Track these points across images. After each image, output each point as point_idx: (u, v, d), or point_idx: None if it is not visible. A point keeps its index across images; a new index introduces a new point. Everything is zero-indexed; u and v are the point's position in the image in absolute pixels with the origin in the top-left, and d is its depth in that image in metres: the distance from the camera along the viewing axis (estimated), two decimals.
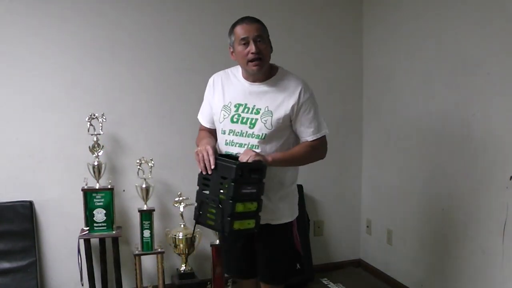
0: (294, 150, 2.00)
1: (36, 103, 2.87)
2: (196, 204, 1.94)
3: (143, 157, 2.90)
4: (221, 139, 2.02)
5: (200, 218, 1.92)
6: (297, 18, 3.36)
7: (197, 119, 2.17)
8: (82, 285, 2.83)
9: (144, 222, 2.89)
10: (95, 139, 2.84)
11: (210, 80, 2.08)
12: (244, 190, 1.82)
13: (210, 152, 1.86)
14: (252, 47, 1.86)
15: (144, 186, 2.88)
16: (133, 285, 3.00)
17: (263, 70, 1.93)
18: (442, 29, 2.74)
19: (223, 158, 1.87)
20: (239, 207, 1.82)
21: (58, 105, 2.90)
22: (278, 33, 3.29)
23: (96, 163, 2.82)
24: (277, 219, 2.03)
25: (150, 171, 2.90)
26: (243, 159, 1.83)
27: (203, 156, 1.86)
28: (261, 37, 1.88)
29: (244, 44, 1.88)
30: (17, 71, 2.82)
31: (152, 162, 2.90)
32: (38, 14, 2.82)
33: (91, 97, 2.94)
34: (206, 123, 2.11)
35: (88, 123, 2.82)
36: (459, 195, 2.67)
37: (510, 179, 2.33)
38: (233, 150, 1.96)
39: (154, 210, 2.92)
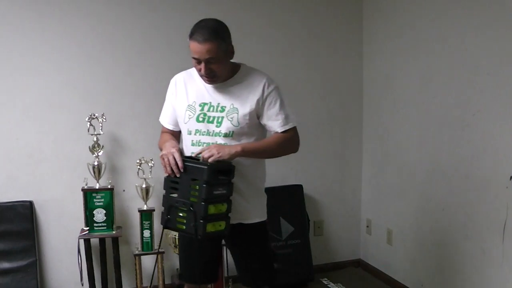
0: (264, 140, 1.98)
1: (36, 103, 2.87)
2: (163, 209, 1.90)
3: (143, 157, 2.90)
4: (187, 140, 1.98)
5: (169, 222, 1.88)
6: (297, 18, 3.36)
7: None
8: (82, 285, 2.83)
9: (144, 222, 2.89)
10: (95, 139, 2.84)
11: (172, 81, 2.04)
12: (216, 191, 1.80)
13: (177, 155, 1.82)
14: (202, 69, 1.83)
15: (144, 186, 2.88)
16: (133, 285, 3.00)
17: (222, 79, 1.90)
18: (442, 29, 2.74)
19: (190, 160, 1.83)
20: (212, 209, 1.80)
21: (58, 105, 2.90)
22: (278, 34, 3.32)
23: (96, 163, 2.82)
24: (251, 218, 2.00)
25: (150, 171, 2.90)
26: (204, 155, 1.79)
27: (169, 160, 1.82)
28: (213, 58, 1.79)
29: (196, 62, 1.84)
30: (17, 71, 2.82)
31: (152, 162, 2.90)
32: (37, 14, 2.82)
33: (91, 97, 2.94)
34: (168, 125, 2.06)
35: (88, 123, 2.82)
36: (459, 195, 2.67)
37: (510, 179, 2.33)
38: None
39: (154, 210, 2.92)
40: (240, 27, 3.21)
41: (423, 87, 2.92)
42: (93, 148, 2.83)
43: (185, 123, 1.95)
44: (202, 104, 1.93)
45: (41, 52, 2.85)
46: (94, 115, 2.83)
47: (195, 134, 1.94)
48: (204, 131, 1.92)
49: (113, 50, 2.98)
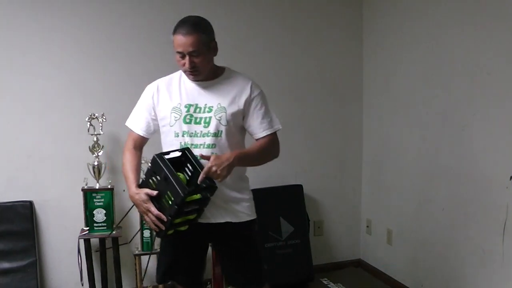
0: (253, 146, 1.96)
1: (36, 103, 2.87)
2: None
3: (143, 157, 2.88)
4: (175, 142, 1.93)
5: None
6: (296, 18, 3.35)
7: None
8: (82, 285, 2.83)
9: (144, 222, 2.89)
10: (95, 139, 2.84)
11: (151, 86, 2.02)
12: (187, 209, 1.78)
13: (152, 209, 1.80)
14: (186, 63, 1.83)
15: None
16: (133, 285, 3.00)
17: (205, 74, 1.90)
18: (442, 29, 2.74)
19: (174, 176, 1.76)
20: (178, 220, 1.80)
21: (58, 105, 2.90)
22: (277, 34, 3.32)
23: (96, 163, 2.82)
24: (240, 217, 1.97)
25: None
26: (208, 173, 1.76)
27: (151, 220, 1.82)
28: (196, 51, 1.82)
29: (180, 56, 1.85)
30: (16, 72, 2.82)
31: None
32: (36, 14, 2.82)
33: (91, 97, 2.95)
34: (140, 130, 2.02)
35: (88, 123, 2.82)
36: (459, 195, 2.67)
37: (510, 179, 2.33)
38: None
39: None
40: (239, 27, 3.22)
41: (423, 87, 2.92)
42: (93, 148, 2.83)
43: (171, 126, 1.93)
44: (187, 106, 1.92)
45: (41, 52, 2.85)
46: (94, 115, 2.83)
47: (183, 136, 1.91)
48: (192, 133, 1.90)
49: (113, 50, 2.98)
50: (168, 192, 1.75)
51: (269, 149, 1.97)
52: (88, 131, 2.82)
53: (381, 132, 3.37)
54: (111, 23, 2.96)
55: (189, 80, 1.94)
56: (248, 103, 1.92)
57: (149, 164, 1.88)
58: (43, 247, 2.95)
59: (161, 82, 2.01)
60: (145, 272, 2.22)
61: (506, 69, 2.33)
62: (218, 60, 2.11)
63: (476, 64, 2.51)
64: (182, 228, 1.87)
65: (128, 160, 2.01)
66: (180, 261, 2.05)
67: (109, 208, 2.82)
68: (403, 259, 3.20)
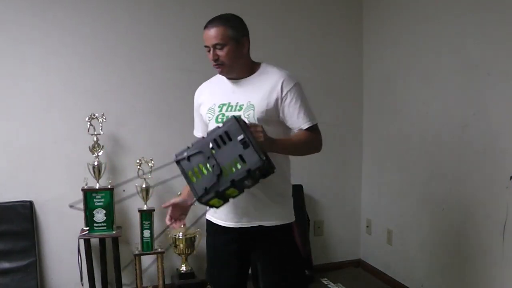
0: (292, 136, 1.92)
1: (36, 103, 2.87)
2: (189, 147, 1.75)
3: (143, 157, 2.90)
4: None
5: (184, 163, 1.75)
6: (297, 18, 3.35)
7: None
8: (82, 285, 2.83)
9: (144, 222, 2.89)
10: (95, 139, 2.84)
11: (197, 91, 2.04)
12: (246, 181, 1.72)
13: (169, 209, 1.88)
14: (210, 56, 1.82)
15: (144, 186, 2.88)
16: (133, 285, 3.00)
17: (238, 72, 1.87)
18: (442, 29, 2.74)
19: (250, 137, 1.66)
20: (230, 191, 1.73)
21: (58, 105, 2.90)
22: (278, 34, 3.32)
23: (96, 163, 2.82)
24: (275, 219, 1.92)
25: (150, 171, 2.90)
26: (255, 132, 1.68)
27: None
28: (220, 44, 1.79)
29: (207, 50, 1.83)
30: (16, 71, 2.82)
31: (152, 162, 2.90)
32: (37, 14, 2.82)
33: (91, 97, 2.95)
34: (200, 133, 2.03)
35: (88, 123, 2.82)
36: (459, 195, 2.67)
37: (510, 179, 2.33)
38: None
39: (154, 210, 2.92)
40: None
41: (423, 87, 2.92)
42: (93, 148, 2.83)
43: (207, 126, 1.92)
44: (220, 105, 1.90)
45: (41, 51, 2.85)
46: (94, 115, 2.83)
47: None
48: None
49: (113, 50, 2.98)
50: (238, 157, 1.67)
51: (309, 140, 1.92)
52: (88, 131, 2.82)
53: (381, 132, 3.37)
54: (112, 23, 2.96)
55: (226, 80, 1.91)
56: (280, 100, 1.85)
57: (205, 135, 1.76)
58: (43, 247, 2.95)
59: (205, 84, 2.02)
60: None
61: (506, 68, 2.33)
62: None
63: (476, 64, 2.51)
64: (218, 203, 1.78)
65: None
66: (218, 271, 2.00)
67: (109, 208, 2.82)
68: (403, 259, 3.20)
